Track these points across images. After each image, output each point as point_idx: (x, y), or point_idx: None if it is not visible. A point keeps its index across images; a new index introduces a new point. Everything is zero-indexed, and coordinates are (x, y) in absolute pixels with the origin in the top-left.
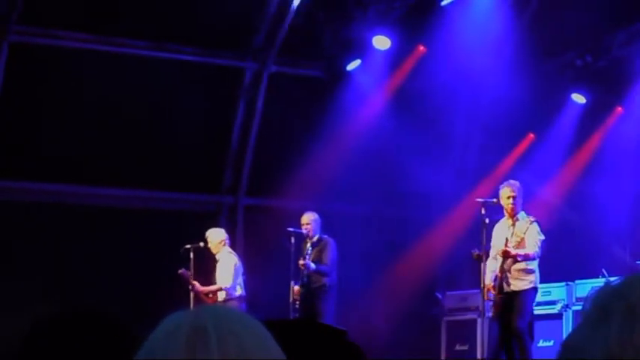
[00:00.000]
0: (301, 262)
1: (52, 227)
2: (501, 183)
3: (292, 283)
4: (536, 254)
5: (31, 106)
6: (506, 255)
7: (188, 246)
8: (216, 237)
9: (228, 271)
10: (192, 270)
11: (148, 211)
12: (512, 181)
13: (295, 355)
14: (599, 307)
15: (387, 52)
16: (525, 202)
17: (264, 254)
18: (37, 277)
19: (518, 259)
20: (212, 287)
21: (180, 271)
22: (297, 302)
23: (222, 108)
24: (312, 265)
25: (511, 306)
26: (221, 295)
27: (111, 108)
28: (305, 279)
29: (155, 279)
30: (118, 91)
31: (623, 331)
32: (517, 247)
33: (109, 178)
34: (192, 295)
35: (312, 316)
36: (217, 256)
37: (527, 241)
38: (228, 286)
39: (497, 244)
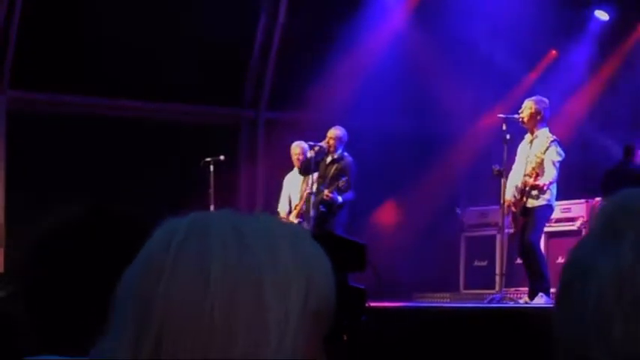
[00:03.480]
0: (327, 193)
1: (70, 139)
2: (525, 98)
3: (312, 197)
4: (555, 177)
5: (49, 17)
6: (534, 187)
7: (208, 159)
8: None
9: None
10: (212, 184)
11: (168, 124)
12: (535, 97)
13: None
14: (609, 223)
15: None
16: (548, 118)
17: (285, 169)
18: (57, 188)
19: (545, 189)
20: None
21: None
22: (312, 213)
23: (243, 21)
24: (340, 199)
25: (526, 222)
26: None
27: (130, 19)
28: (322, 187)
29: (174, 192)
30: (139, 2)
31: (635, 250)
32: (538, 168)
33: (128, 90)
34: (212, 208)
35: (327, 227)
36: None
37: (546, 165)
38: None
39: (519, 159)
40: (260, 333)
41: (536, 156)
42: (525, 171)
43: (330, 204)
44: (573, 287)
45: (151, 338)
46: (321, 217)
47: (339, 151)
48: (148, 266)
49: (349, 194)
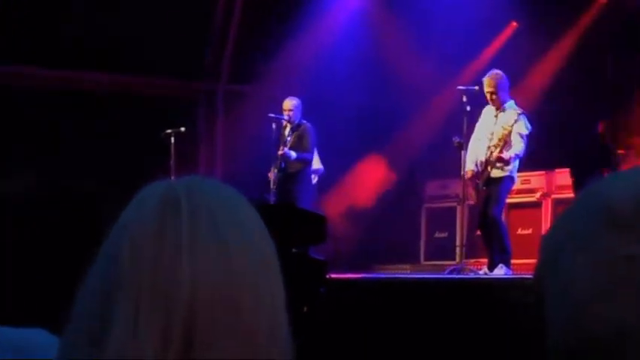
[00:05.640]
0: (280, 151)
1: (28, 111)
2: (484, 70)
3: (272, 169)
4: (522, 150)
5: None
6: (501, 161)
7: (169, 131)
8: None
9: None
10: (172, 155)
11: (127, 96)
12: (493, 72)
13: (275, 238)
14: (610, 209)
15: None
16: (509, 88)
17: (245, 141)
18: (17, 161)
19: (512, 162)
20: None
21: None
22: (274, 187)
23: None
24: (293, 155)
25: (489, 194)
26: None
27: None
28: (282, 164)
29: (134, 164)
30: None
31: (610, 242)
32: (505, 140)
33: (88, 62)
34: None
35: (290, 201)
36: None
37: (514, 138)
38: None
39: (481, 129)
40: (277, 310)
41: (503, 128)
42: (490, 143)
43: (285, 163)
44: (563, 260)
45: (179, 324)
46: (282, 183)
47: (297, 120)
48: (160, 239)
49: (306, 154)
